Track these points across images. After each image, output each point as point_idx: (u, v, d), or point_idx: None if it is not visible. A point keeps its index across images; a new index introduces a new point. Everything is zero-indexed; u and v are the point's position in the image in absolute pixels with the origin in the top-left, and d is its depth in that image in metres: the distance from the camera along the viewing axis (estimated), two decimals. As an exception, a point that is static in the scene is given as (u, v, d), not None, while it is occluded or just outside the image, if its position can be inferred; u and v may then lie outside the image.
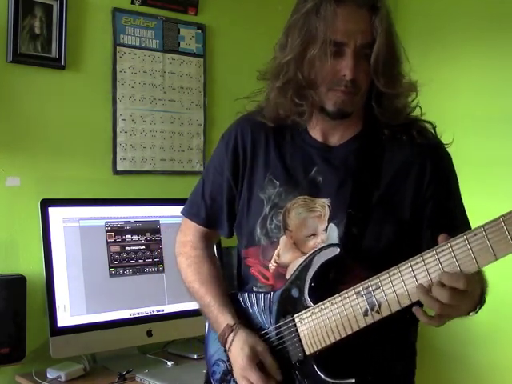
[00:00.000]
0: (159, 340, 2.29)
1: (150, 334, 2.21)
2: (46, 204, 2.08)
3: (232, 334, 1.31)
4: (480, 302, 1.23)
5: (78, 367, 2.05)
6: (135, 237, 2.26)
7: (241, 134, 1.41)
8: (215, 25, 2.70)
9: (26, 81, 2.20)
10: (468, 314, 1.22)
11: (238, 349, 1.29)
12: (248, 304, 1.38)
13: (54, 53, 2.24)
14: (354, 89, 1.25)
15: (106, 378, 2.04)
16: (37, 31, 2.20)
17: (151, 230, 2.30)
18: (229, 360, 1.36)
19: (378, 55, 1.23)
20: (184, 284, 1.48)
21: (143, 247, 2.27)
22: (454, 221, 1.30)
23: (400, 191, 1.29)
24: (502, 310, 3.06)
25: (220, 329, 1.35)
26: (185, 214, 1.51)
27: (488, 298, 3.08)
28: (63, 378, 1.99)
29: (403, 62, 1.33)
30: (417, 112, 1.35)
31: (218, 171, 1.44)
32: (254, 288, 1.39)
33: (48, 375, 2.02)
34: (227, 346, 1.33)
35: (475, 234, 1.07)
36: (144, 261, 2.26)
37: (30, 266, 2.17)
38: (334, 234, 1.28)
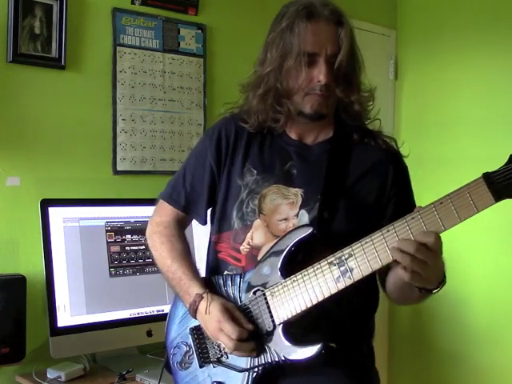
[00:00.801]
0: (159, 340, 2.27)
1: (149, 334, 2.22)
2: (46, 204, 2.09)
3: (203, 301, 1.40)
4: (442, 280, 1.31)
5: (77, 367, 2.05)
6: (135, 237, 2.27)
7: (225, 128, 1.53)
8: (215, 25, 2.70)
9: (26, 81, 2.20)
10: (432, 290, 1.30)
11: (210, 309, 1.38)
12: (218, 286, 1.46)
13: (54, 53, 2.24)
14: (328, 92, 1.41)
15: (105, 377, 2.05)
16: (37, 31, 2.20)
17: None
18: (194, 336, 1.46)
19: (341, 63, 1.39)
20: (156, 261, 1.57)
21: (143, 247, 2.27)
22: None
23: (366, 187, 1.45)
24: (502, 311, 3.06)
25: (190, 299, 1.43)
26: (164, 197, 1.60)
27: (488, 299, 3.09)
28: (63, 378, 2.00)
29: (362, 71, 1.48)
30: (376, 124, 1.52)
31: (200, 162, 1.55)
32: (225, 272, 1.48)
33: (48, 375, 2.03)
34: (198, 315, 1.42)
35: (441, 203, 1.20)
36: (144, 261, 2.26)
37: (30, 266, 2.17)
38: (304, 218, 1.41)
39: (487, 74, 3.10)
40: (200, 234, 2.16)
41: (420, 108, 3.42)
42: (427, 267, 1.20)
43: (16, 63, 2.16)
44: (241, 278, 1.43)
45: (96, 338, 2.11)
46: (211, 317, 1.38)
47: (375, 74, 3.43)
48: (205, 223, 1.58)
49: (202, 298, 1.41)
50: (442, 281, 1.30)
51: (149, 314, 2.23)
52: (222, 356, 1.43)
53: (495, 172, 1.17)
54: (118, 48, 2.43)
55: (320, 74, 1.38)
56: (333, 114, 1.49)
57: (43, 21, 2.21)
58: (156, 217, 1.61)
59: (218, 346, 1.43)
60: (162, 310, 2.25)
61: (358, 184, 1.44)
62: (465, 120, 3.14)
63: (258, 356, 1.37)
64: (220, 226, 1.51)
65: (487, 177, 1.17)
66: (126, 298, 2.19)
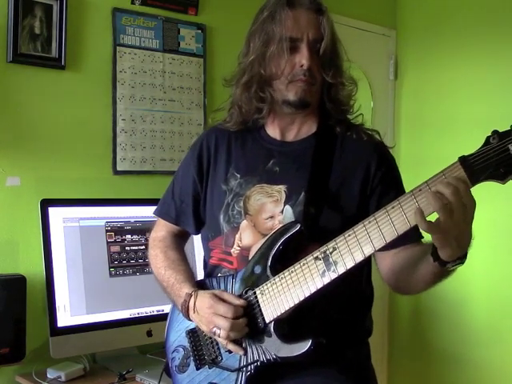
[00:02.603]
0: (159, 340, 2.27)
1: (149, 334, 2.22)
2: (46, 204, 2.09)
3: (192, 298, 1.43)
4: (463, 257, 1.20)
5: (77, 367, 2.05)
6: (135, 237, 2.27)
7: (206, 140, 1.58)
8: (215, 25, 2.70)
9: (26, 81, 2.20)
10: (446, 263, 1.20)
11: (200, 302, 1.40)
12: (211, 288, 1.47)
13: (54, 53, 2.24)
14: (311, 79, 1.42)
15: (105, 378, 2.05)
16: (37, 31, 2.20)
17: (151, 230, 2.30)
18: (190, 338, 1.48)
19: (326, 49, 1.41)
20: (154, 274, 1.61)
21: (143, 247, 2.27)
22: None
23: (350, 180, 1.44)
24: (502, 311, 3.06)
25: (181, 300, 1.46)
26: (157, 213, 1.68)
27: (488, 299, 3.08)
28: (63, 378, 2.00)
29: (344, 59, 1.49)
30: (359, 119, 1.52)
31: (186, 174, 1.60)
32: (219, 274, 1.49)
33: (48, 375, 2.03)
34: (190, 311, 1.43)
35: (420, 190, 1.17)
36: (144, 261, 2.26)
37: (30, 266, 2.17)
38: (289, 214, 1.42)
39: (487, 73, 3.10)
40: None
41: (420, 108, 3.42)
42: (452, 218, 1.11)
43: (16, 63, 2.16)
44: (233, 278, 1.44)
45: (96, 338, 2.10)
46: (202, 306, 1.39)
47: (375, 74, 3.44)
48: (196, 233, 1.62)
49: (191, 295, 1.43)
50: (462, 257, 1.19)
51: (149, 314, 2.23)
52: (216, 357, 1.44)
53: (471, 155, 1.14)
54: (118, 48, 2.43)
55: (302, 59, 1.39)
56: (316, 107, 1.49)
57: (43, 21, 2.21)
58: (153, 233, 1.68)
59: (213, 347, 1.43)
60: (162, 310, 2.25)
61: (342, 177, 1.44)
62: (465, 120, 3.14)
63: (248, 353, 1.37)
64: (211, 233, 1.52)
65: (463, 160, 1.14)
66: (126, 298, 2.19)
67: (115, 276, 2.19)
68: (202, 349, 1.47)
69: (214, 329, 1.36)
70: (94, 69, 2.37)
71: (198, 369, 1.47)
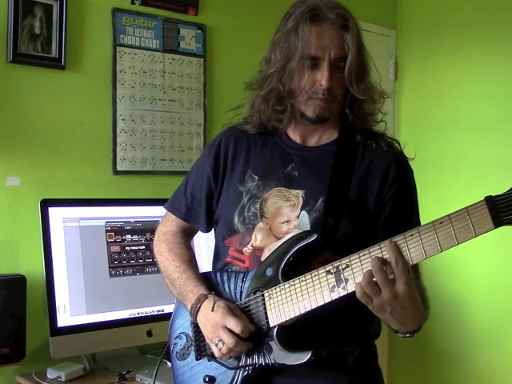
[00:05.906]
0: (159, 340, 2.28)
1: (149, 334, 2.22)
2: (46, 204, 2.09)
3: (208, 300, 1.42)
4: (418, 328, 1.34)
5: (77, 367, 2.05)
6: (135, 237, 2.27)
7: (224, 140, 1.57)
8: (215, 25, 2.70)
9: (26, 81, 2.20)
10: (402, 331, 1.34)
11: (211, 309, 1.39)
12: (220, 282, 1.49)
13: (54, 53, 2.24)
14: (331, 97, 1.41)
15: (105, 377, 2.05)
16: (37, 31, 2.20)
17: (151, 230, 2.30)
18: (194, 328, 1.48)
19: (351, 67, 1.39)
20: (162, 265, 1.59)
21: (143, 247, 2.27)
22: (407, 224, 1.37)
23: (367, 190, 1.44)
24: (502, 311, 3.06)
25: (194, 298, 1.45)
26: (167, 208, 1.66)
27: (488, 300, 3.07)
28: (63, 378, 2.00)
29: (371, 72, 1.48)
30: (381, 127, 1.53)
31: (200, 172, 1.60)
32: (229, 270, 1.50)
33: (48, 375, 2.03)
34: (200, 313, 1.43)
35: (441, 222, 1.18)
36: (144, 261, 2.26)
37: (30, 266, 2.17)
38: (305, 219, 1.42)
39: (487, 73, 3.10)
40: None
41: (420, 108, 3.42)
42: (379, 297, 1.20)
43: (16, 63, 2.16)
44: (244, 276, 1.44)
45: (96, 338, 2.11)
46: (215, 313, 1.38)
47: (375, 73, 3.44)
48: (206, 231, 1.61)
49: (207, 297, 1.42)
50: (412, 331, 1.33)
51: (149, 314, 2.23)
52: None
53: (499, 196, 1.12)
54: (118, 48, 2.43)
55: (322, 79, 1.38)
56: (338, 116, 1.49)
57: (43, 21, 2.21)
58: (162, 226, 1.66)
59: (216, 345, 1.43)
60: (162, 310, 2.25)
61: (360, 187, 1.43)
62: (464, 119, 3.14)
63: (247, 354, 1.38)
64: (227, 232, 1.51)
65: (489, 200, 1.13)
66: (126, 298, 2.19)
67: (115, 276, 2.19)
68: (203, 340, 1.46)
69: (217, 340, 1.37)
70: (94, 69, 2.37)
71: (197, 359, 1.48)
